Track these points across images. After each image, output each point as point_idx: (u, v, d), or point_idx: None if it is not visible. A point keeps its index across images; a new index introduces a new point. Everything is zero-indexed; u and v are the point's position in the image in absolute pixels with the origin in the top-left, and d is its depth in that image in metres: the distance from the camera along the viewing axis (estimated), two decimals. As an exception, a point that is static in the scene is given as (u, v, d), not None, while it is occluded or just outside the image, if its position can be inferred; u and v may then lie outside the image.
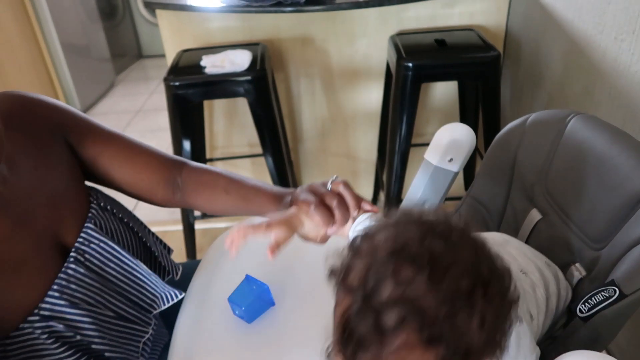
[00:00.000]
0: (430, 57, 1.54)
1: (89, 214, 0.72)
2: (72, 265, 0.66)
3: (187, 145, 1.60)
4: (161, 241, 0.87)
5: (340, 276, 0.47)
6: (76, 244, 0.68)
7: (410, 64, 1.48)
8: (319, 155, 2.13)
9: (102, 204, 0.75)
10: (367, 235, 0.48)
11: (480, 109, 1.60)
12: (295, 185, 2.01)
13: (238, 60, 1.51)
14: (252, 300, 0.73)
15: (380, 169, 2.00)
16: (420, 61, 1.50)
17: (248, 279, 0.76)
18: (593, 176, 0.67)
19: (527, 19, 1.67)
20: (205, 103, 1.89)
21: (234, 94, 1.57)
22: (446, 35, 1.63)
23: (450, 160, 0.92)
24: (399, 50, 1.55)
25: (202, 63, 1.54)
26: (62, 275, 0.65)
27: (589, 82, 1.30)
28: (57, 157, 0.71)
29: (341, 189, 0.69)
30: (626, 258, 0.55)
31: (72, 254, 0.67)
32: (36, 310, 0.62)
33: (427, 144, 1.87)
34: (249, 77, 1.50)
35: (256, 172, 2.14)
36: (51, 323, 0.62)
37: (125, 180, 0.78)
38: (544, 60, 1.56)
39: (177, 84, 1.50)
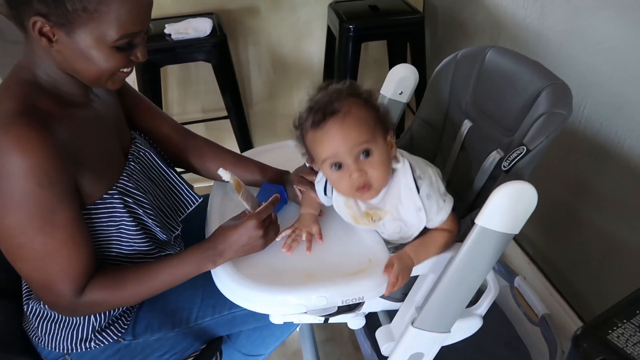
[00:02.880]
0: (367, 20, 1.80)
1: (132, 135, 0.93)
2: (132, 163, 0.87)
3: (155, 108, 1.75)
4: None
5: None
6: (131, 149, 0.90)
7: (352, 26, 1.74)
8: (268, 117, 2.33)
9: (138, 132, 0.96)
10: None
11: (410, 61, 1.90)
12: (252, 145, 2.20)
13: (200, 27, 1.67)
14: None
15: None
16: (360, 24, 1.76)
17: (265, 185, 0.98)
18: (505, 86, 0.96)
19: (442, -14, 1.99)
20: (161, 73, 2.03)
21: (198, 58, 1.73)
22: (377, 2, 1.90)
23: (401, 93, 1.19)
24: (340, 15, 1.79)
25: (166, 31, 1.68)
26: (127, 168, 0.85)
27: (495, 35, 1.63)
28: (115, 95, 0.93)
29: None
30: (529, 130, 0.85)
31: (130, 155, 0.88)
32: (114, 187, 0.81)
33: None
34: (212, 42, 1.67)
35: (210, 136, 2.28)
36: (124, 197, 0.82)
37: (151, 129, 1.00)
38: (458, 19, 1.88)
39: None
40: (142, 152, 0.91)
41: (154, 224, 0.86)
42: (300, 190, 0.96)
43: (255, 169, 1.04)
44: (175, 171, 0.98)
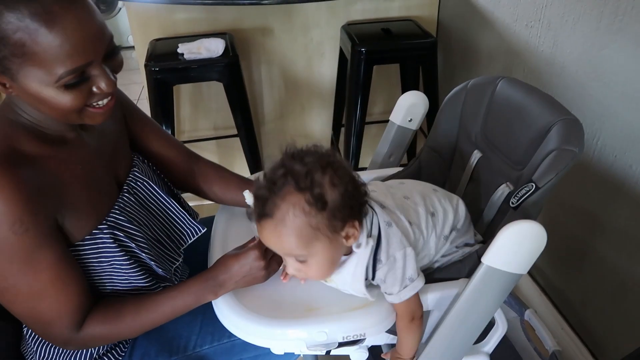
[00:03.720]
0: (380, 43, 1.80)
1: (133, 162, 0.91)
2: (126, 194, 0.86)
3: (167, 129, 1.76)
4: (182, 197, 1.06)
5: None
6: (127, 180, 0.88)
7: (364, 49, 1.73)
8: (279, 136, 2.33)
9: (141, 158, 0.95)
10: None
11: (422, 86, 1.89)
12: (261, 163, 2.21)
13: (213, 47, 1.69)
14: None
15: (336, 142, 2.25)
16: (372, 47, 1.75)
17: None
18: (515, 119, 0.95)
19: (455, 10, 1.98)
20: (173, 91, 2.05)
21: (210, 78, 1.74)
22: (390, 25, 1.90)
23: (410, 120, 1.18)
24: (352, 38, 1.80)
25: (179, 50, 1.70)
26: (120, 200, 0.84)
27: (507, 62, 1.61)
28: (117, 115, 0.91)
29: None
30: (540, 166, 0.83)
31: (125, 186, 0.87)
32: (104, 221, 0.79)
33: (376, 122, 2.19)
34: (224, 62, 1.68)
35: (221, 154, 2.31)
36: (115, 232, 0.80)
37: (156, 153, 0.99)
38: (471, 45, 1.87)
39: (157, 69, 1.66)
40: (140, 182, 0.89)
41: (149, 257, 0.84)
42: None
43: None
44: (178, 200, 0.96)
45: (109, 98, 0.75)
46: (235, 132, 1.92)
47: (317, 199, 0.68)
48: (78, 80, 0.68)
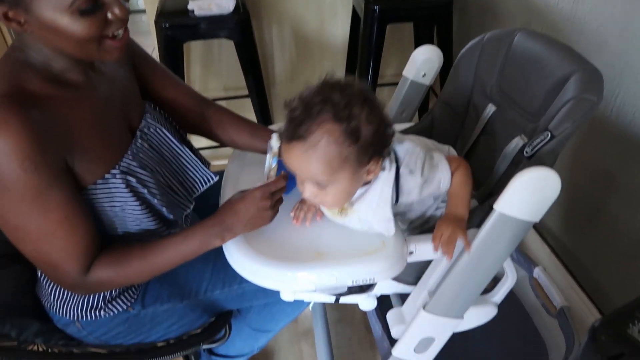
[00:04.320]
0: (394, 1, 1.76)
1: (145, 110, 0.91)
2: (140, 140, 0.85)
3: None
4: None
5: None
6: (140, 126, 0.88)
7: (377, 7, 1.69)
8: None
9: (152, 105, 0.94)
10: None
11: (436, 45, 1.85)
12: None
13: (223, 4, 1.66)
14: (290, 177, 0.94)
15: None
16: (386, 5, 1.71)
17: (280, 162, 0.96)
18: (533, 70, 0.92)
19: (473, -32, 1.92)
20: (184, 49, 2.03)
21: (220, 35, 1.72)
22: (404, -17, 1.85)
23: (424, 75, 1.16)
24: (366, -5, 1.75)
25: (189, 7, 1.67)
26: (133, 145, 0.84)
27: (526, 19, 1.57)
28: (127, 63, 0.90)
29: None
30: (556, 115, 0.81)
31: (138, 132, 0.86)
32: (116, 166, 0.80)
33: (388, 84, 2.14)
34: (235, 19, 1.66)
35: (232, 116, 2.31)
36: (127, 177, 0.80)
37: (168, 99, 0.98)
38: (488, 2, 1.82)
39: (167, 25, 1.64)
40: (153, 129, 0.89)
41: (160, 203, 0.84)
42: None
43: (254, 134, 1.02)
44: (190, 148, 0.96)
45: (124, 30, 0.75)
46: (245, 92, 1.91)
47: (352, 132, 0.70)
48: (92, 6, 0.68)
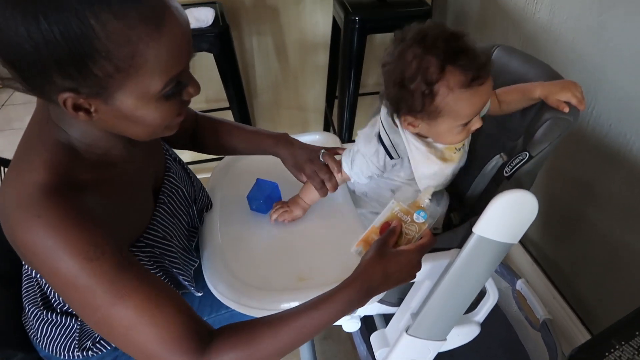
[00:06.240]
0: (373, 11, 1.76)
1: (167, 165, 0.86)
2: (162, 206, 0.81)
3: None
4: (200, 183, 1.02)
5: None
6: (162, 189, 0.83)
7: (357, 18, 1.69)
8: (272, 109, 2.30)
9: (172, 155, 0.90)
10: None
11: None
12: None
13: (202, 17, 1.64)
14: (266, 196, 0.93)
15: (329, 114, 2.22)
16: (366, 15, 1.71)
17: (259, 181, 0.96)
18: (511, 88, 0.93)
19: (451, -23, 1.93)
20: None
21: (200, 49, 1.70)
22: (384, -7, 1.85)
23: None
24: (346, 6, 1.75)
25: (168, 20, 1.65)
26: (155, 214, 0.79)
27: (504, 30, 1.58)
28: None
29: (327, 160, 0.96)
30: (534, 135, 0.82)
31: (160, 196, 0.82)
32: (141, 238, 0.75)
33: (370, 94, 2.12)
34: (214, 32, 1.64)
35: (214, 127, 2.29)
36: (152, 249, 0.76)
37: None
38: (467, 12, 1.83)
39: (145, 40, 1.61)
40: (175, 191, 0.84)
41: (178, 272, 0.80)
42: (314, 173, 0.96)
43: (251, 136, 1.01)
44: (195, 200, 0.94)
45: (186, 109, 0.69)
46: (227, 104, 1.89)
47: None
48: (177, 89, 0.62)
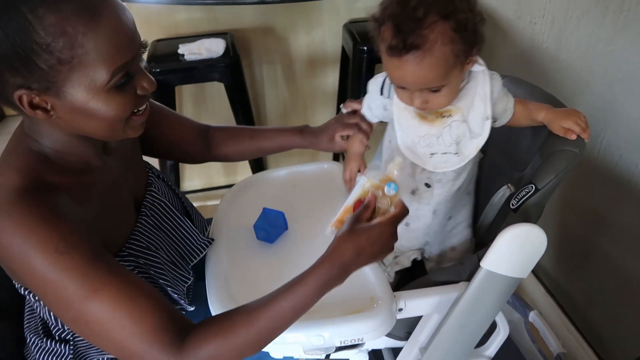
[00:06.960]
0: (381, 41, 1.78)
1: (149, 180, 0.88)
2: (144, 218, 0.82)
3: (168, 127, 1.75)
4: (192, 205, 1.03)
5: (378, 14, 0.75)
6: (144, 202, 0.84)
7: (366, 48, 1.72)
8: (282, 136, 2.32)
9: (156, 173, 0.91)
10: None
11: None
12: (264, 165, 2.20)
13: (213, 48, 1.68)
14: (272, 226, 0.93)
15: (340, 143, 2.23)
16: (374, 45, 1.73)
17: (265, 210, 0.96)
18: (517, 119, 0.93)
19: (459, 7, 1.96)
20: (175, 91, 2.04)
21: (211, 79, 1.74)
22: (392, 23, 1.88)
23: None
24: (354, 36, 1.78)
25: (180, 51, 1.69)
26: (138, 225, 0.80)
27: (511, 59, 1.59)
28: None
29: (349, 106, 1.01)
30: (540, 168, 0.81)
31: (142, 209, 0.83)
32: (124, 248, 0.75)
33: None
34: (225, 63, 1.68)
35: (224, 154, 2.31)
36: (135, 259, 0.76)
37: (175, 138, 0.97)
38: (475, 42, 1.84)
39: (158, 70, 1.65)
40: (157, 203, 0.85)
41: (165, 283, 0.80)
42: (342, 136, 0.98)
43: (273, 135, 1.04)
44: (189, 217, 0.94)
45: (146, 105, 0.71)
46: (237, 131, 1.91)
47: (461, 25, 0.70)
48: (126, 80, 0.64)
